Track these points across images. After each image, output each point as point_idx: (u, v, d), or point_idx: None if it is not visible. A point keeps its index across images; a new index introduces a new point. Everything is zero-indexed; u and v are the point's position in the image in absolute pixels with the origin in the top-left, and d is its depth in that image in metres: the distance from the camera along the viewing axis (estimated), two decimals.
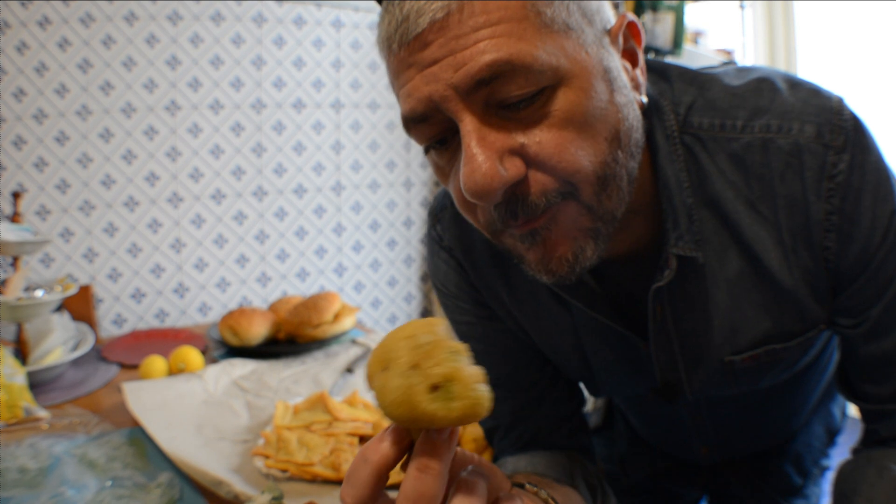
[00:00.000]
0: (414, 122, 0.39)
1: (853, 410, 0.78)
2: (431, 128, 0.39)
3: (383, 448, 0.31)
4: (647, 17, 1.51)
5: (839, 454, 0.56)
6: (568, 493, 0.53)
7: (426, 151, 0.42)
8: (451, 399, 0.27)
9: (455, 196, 0.41)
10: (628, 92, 0.41)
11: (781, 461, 0.71)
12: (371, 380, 0.30)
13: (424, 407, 0.27)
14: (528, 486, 0.47)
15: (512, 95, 0.36)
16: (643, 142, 0.43)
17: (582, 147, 0.37)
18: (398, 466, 0.33)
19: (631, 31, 0.43)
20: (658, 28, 1.54)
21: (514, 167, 0.37)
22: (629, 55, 0.43)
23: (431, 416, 0.27)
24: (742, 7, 1.91)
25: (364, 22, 1.61)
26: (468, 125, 0.36)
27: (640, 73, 0.43)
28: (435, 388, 0.27)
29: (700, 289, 0.48)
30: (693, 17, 1.82)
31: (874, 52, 1.83)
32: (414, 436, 0.31)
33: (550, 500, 0.46)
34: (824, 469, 0.75)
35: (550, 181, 0.37)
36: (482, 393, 0.28)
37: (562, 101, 0.37)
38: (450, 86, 0.36)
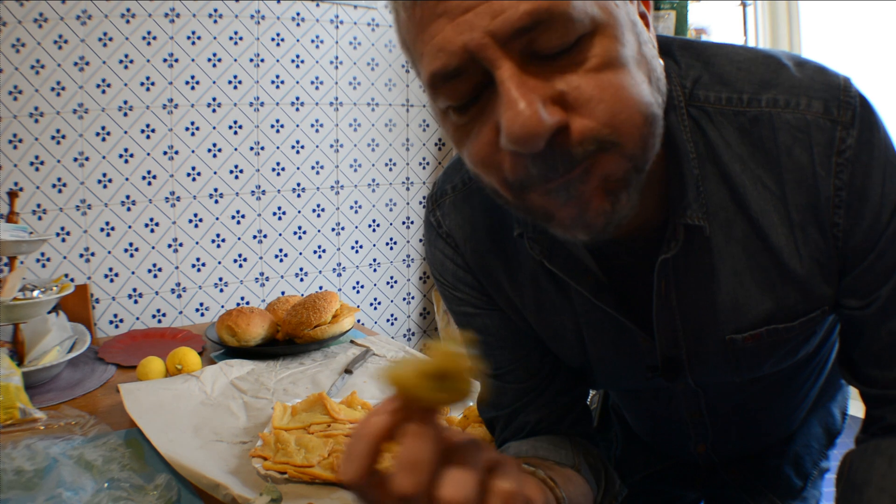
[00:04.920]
0: (445, 80, 0.37)
1: (854, 410, 0.78)
2: (463, 84, 0.37)
3: (377, 421, 0.34)
4: (651, 24, 1.51)
5: (838, 456, 0.56)
6: (569, 476, 0.52)
7: (444, 113, 0.40)
8: (441, 390, 0.32)
9: (478, 154, 0.40)
10: (652, 47, 0.41)
11: (781, 462, 0.71)
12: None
13: (417, 390, 0.32)
14: (524, 466, 0.46)
15: (551, 45, 0.35)
16: (665, 102, 0.43)
17: (623, 87, 0.37)
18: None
19: None
20: (660, 26, 1.53)
21: (556, 112, 0.36)
22: (641, 20, 0.42)
23: (421, 398, 0.33)
24: (745, 5, 1.91)
25: (363, 19, 1.60)
26: (506, 71, 0.35)
27: (653, 37, 0.43)
28: (436, 377, 0.32)
29: (705, 263, 0.48)
30: (696, 14, 1.81)
31: (879, 52, 1.82)
32: (405, 410, 0.34)
33: (549, 480, 0.46)
34: (823, 471, 0.75)
35: (593, 125, 0.36)
36: (467, 389, 0.33)
37: (598, 47, 0.36)
38: (487, 33, 0.35)
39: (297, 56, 1.54)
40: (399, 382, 0.33)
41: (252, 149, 1.52)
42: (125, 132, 1.36)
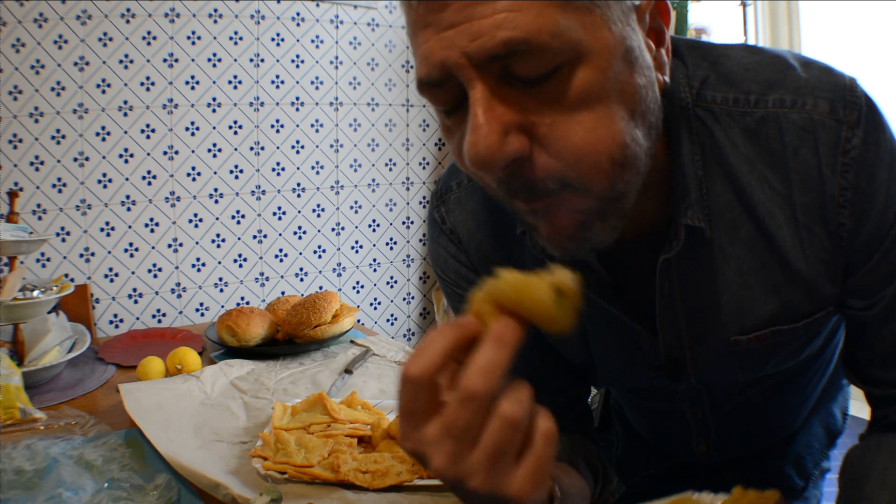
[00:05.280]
0: (429, 87, 0.38)
1: (854, 410, 0.78)
2: (445, 93, 0.38)
3: (464, 323, 0.34)
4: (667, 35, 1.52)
5: (839, 456, 0.56)
6: (562, 468, 0.52)
7: (438, 112, 0.41)
8: (560, 306, 0.32)
9: (457, 159, 0.41)
10: (650, 73, 0.40)
11: (782, 462, 0.71)
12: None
13: (544, 298, 0.32)
14: None
15: (528, 73, 0.36)
16: (660, 124, 0.43)
17: (595, 129, 0.36)
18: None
19: (660, 9, 0.42)
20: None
21: (517, 142, 0.36)
22: (655, 34, 0.42)
23: (543, 307, 0.32)
24: (745, 5, 1.91)
25: (363, 19, 1.60)
26: (478, 93, 0.36)
27: (665, 53, 0.43)
28: (558, 292, 0.32)
29: (709, 263, 0.48)
30: (696, 14, 1.82)
31: (879, 52, 1.82)
32: (496, 322, 0.34)
33: None
34: (824, 471, 0.75)
35: (556, 165, 0.37)
36: (572, 317, 0.33)
37: (579, 80, 0.36)
38: (464, 54, 0.35)
39: (297, 56, 1.53)
40: (521, 285, 0.32)
41: (252, 149, 1.52)
42: (125, 132, 1.36)
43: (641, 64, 0.39)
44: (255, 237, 1.55)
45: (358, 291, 1.73)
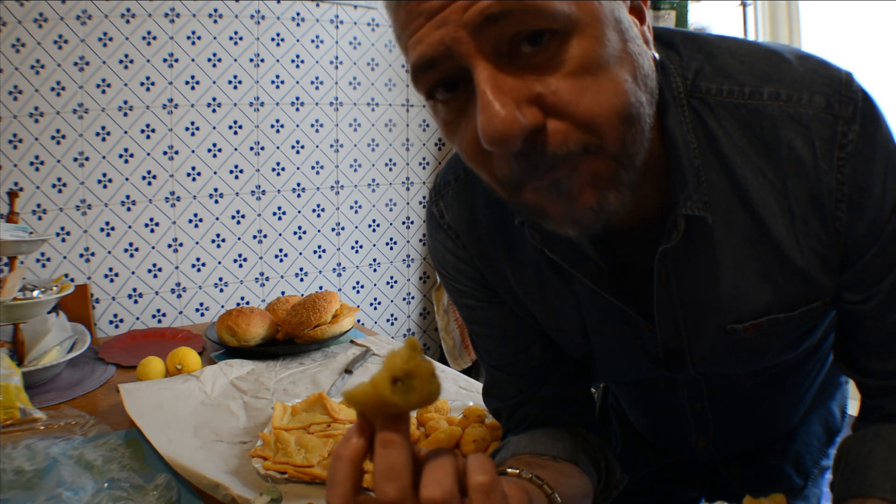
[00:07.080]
0: (423, 70, 0.38)
1: (853, 409, 0.78)
2: (439, 74, 0.38)
3: (352, 442, 0.34)
4: (649, 14, 1.51)
5: None
6: (563, 469, 0.52)
7: (431, 99, 0.41)
8: (410, 391, 0.33)
9: (465, 150, 0.41)
10: (641, 43, 0.41)
11: (781, 461, 0.71)
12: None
13: (387, 397, 0.33)
14: (509, 471, 0.47)
15: (523, 31, 0.36)
16: (657, 96, 0.43)
17: (601, 91, 0.37)
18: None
19: None
20: (660, 26, 1.53)
21: (531, 114, 0.36)
22: (636, 12, 0.43)
23: (393, 404, 0.33)
24: (745, 5, 1.91)
25: (363, 19, 1.61)
26: (483, 72, 0.36)
27: (648, 30, 0.43)
28: (395, 381, 0.33)
29: (706, 253, 0.48)
30: (696, 14, 1.81)
31: (880, 52, 1.82)
32: (375, 425, 0.35)
33: (535, 479, 0.47)
34: (824, 469, 0.75)
35: (571, 129, 0.37)
36: (435, 385, 0.34)
37: (575, 48, 0.36)
38: (460, 25, 0.35)
39: (297, 56, 1.54)
40: (365, 395, 0.33)
41: (252, 149, 1.52)
42: (125, 132, 1.36)
43: (632, 34, 0.40)
44: (255, 237, 1.55)
45: (358, 291, 1.73)
